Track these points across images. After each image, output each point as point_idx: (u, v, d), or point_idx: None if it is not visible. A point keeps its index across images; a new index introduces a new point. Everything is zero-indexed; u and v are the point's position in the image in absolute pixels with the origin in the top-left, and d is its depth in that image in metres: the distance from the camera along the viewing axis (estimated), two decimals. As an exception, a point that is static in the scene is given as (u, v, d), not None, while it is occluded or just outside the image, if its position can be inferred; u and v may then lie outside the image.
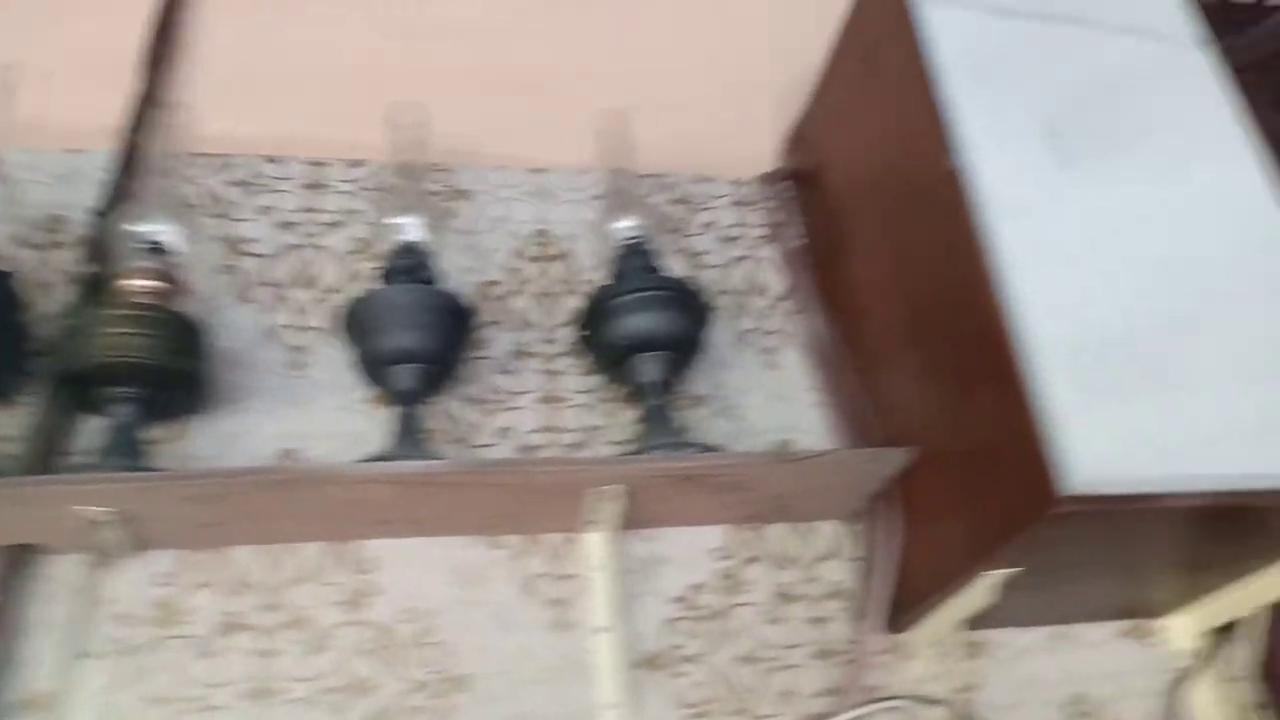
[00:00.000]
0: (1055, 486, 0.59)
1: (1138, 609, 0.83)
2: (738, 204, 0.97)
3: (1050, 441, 0.60)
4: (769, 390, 0.87)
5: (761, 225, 0.96)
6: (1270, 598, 0.76)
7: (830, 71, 0.89)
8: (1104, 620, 0.83)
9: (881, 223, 0.81)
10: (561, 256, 0.89)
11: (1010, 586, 0.71)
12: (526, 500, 0.72)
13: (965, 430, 0.69)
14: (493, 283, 0.87)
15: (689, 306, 0.79)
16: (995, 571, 0.66)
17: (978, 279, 0.66)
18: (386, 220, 0.81)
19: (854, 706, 0.74)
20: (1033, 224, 0.69)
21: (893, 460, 0.74)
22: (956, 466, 0.70)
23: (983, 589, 0.68)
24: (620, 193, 0.87)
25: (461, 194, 0.91)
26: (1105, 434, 0.62)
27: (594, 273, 0.88)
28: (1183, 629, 0.83)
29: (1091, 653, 0.82)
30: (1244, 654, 0.80)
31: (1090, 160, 0.73)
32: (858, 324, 0.85)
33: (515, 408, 0.81)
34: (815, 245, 0.93)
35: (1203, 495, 0.62)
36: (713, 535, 0.80)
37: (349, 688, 0.69)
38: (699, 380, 0.86)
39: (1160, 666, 0.83)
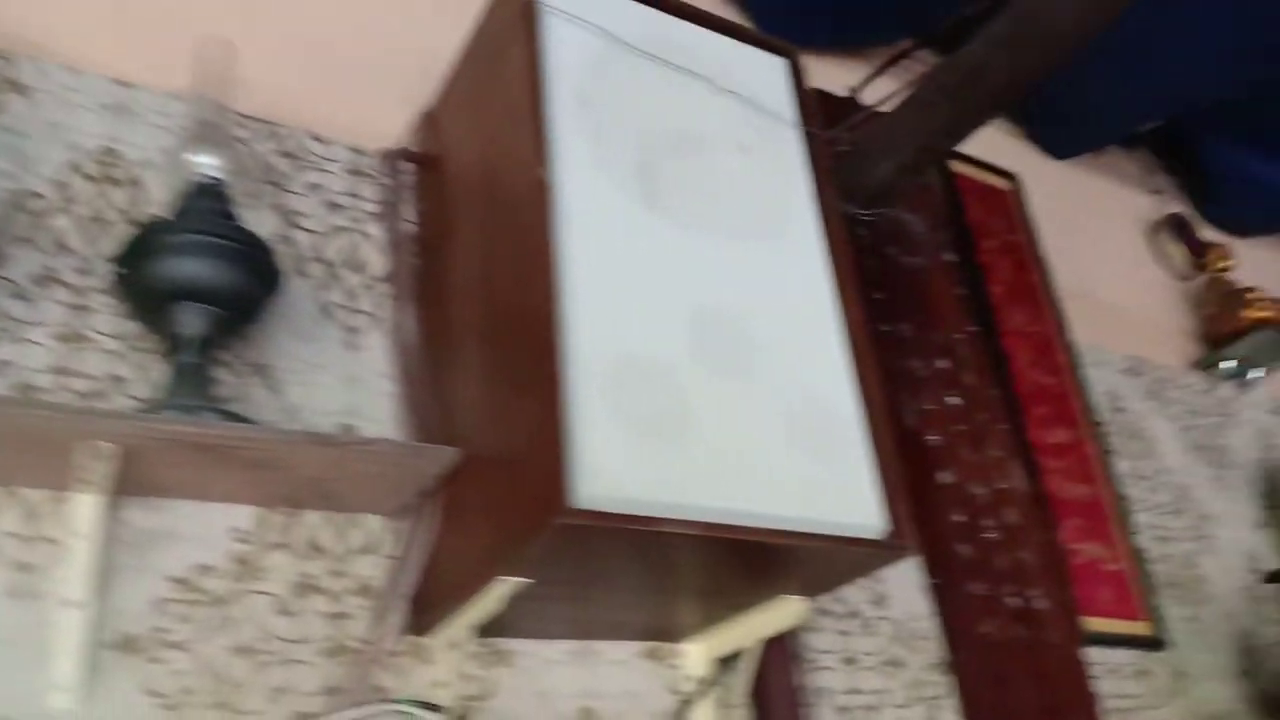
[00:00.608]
0: (564, 498, 0.60)
1: (659, 632, 0.87)
2: (353, 173, 0.91)
3: (570, 456, 0.61)
4: (344, 371, 0.82)
5: (374, 201, 0.91)
6: (765, 632, 0.82)
7: (463, 61, 0.87)
8: (628, 640, 0.86)
9: (480, 221, 0.80)
10: (128, 182, 0.79)
11: (535, 598, 0.71)
12: (2, 447, 0.62)
13: (506, 436, 0.69)
14: (33, 194, 0.75)
15: (254, 264, 0.73)
16: (508, 579, 0.66)
17: (540, 290, 0.66)
18: (-106, 91, 0.67)
19: (349, 708, 0.70)
20: (606, 251, 0.71)
21: (440, 459, 0.72)
22: (494, 472, 0.69)
23: (495, 596, 0.67)
24: (208, 125, 0.78)
25: (16, 87, 0.78)
26: (627, 458, 0.64)
27: (163, 209, 0.78)
28: (696, 655, 0.88)
29: (612, 670, 0.85)
30: (741, 683, 0.86)
31: (674, 204, 0.76)
32: (444, 318, 0.83)
33: (24, 340, 0.70)
34: (424, 233, 0.90)
35: (701, 526, 0.65)
36: (239, 515, 0.73)
37: None
38: (266, 348, 0.79)
39: (672, 688, 0.87)
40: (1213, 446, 1.56)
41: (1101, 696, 1.16)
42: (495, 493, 0.68)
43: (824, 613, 1.02)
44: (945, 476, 1.17)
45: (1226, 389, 1.66)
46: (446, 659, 0.76)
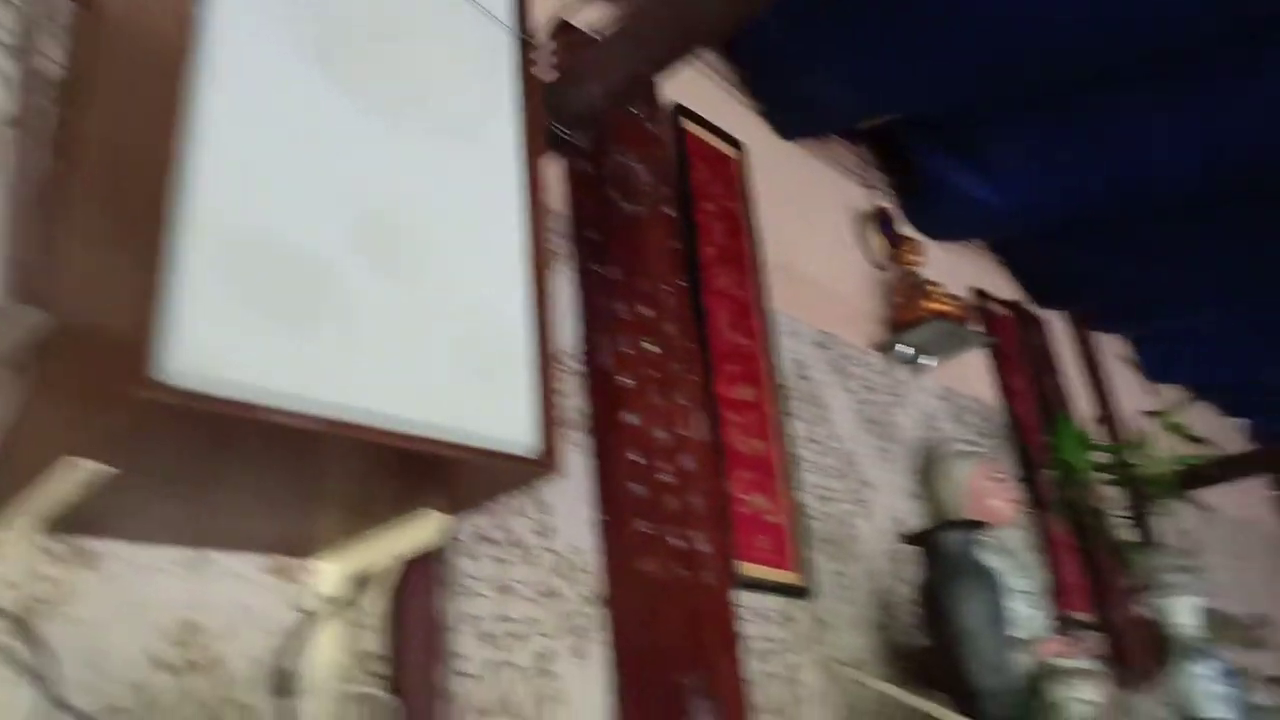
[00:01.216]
0: (147, 370, 0.53)
1: (289, 545, 0.81)
2: (-18, -7, 0.78)
3: (163, 326, 0.54)
4: (-69, 216, 0.70)
5: (9, 31, 0.78)
6: (405, 549, 0.79)
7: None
8: (253, 551, 0.80)
9: (125, 61, 0.70)
10: None
11: (135, 492, 0.64)
12: None
13: (103, 302, 0.60)
14: None
15: None
16: (80, 461, 0.58)
17: (161, 139, 0.58)
18: None
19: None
20: (262, 116, 0.63)
21: (25, 321, 0.63)
22: (87, 341, 0.61)
23: (69, 481, 0.59)
24: None
25: None
26: (243, 340, 0.58)
27: None
28: (330, 572, 0.83)
29: (227, 582, 0.78)
30: (376, 603, 0.83)
31: (358, 82, 0.70)
32: (76, 170, 0.72)
33: None
34: (70, 77, 0.78)
35: (317, 421, 0.60)
36: None
37: None
38: None
39: (296, 605, 0.82)
40: (882, 421, 1.71)
41: (747, 638, 1.23)
42: (84, 365, 0.60)
43: (484, 539, 1.00)
44: (630, 418, 1.19)
45: (901, 372, 1.82)
46: (13, 554, 0.67)
